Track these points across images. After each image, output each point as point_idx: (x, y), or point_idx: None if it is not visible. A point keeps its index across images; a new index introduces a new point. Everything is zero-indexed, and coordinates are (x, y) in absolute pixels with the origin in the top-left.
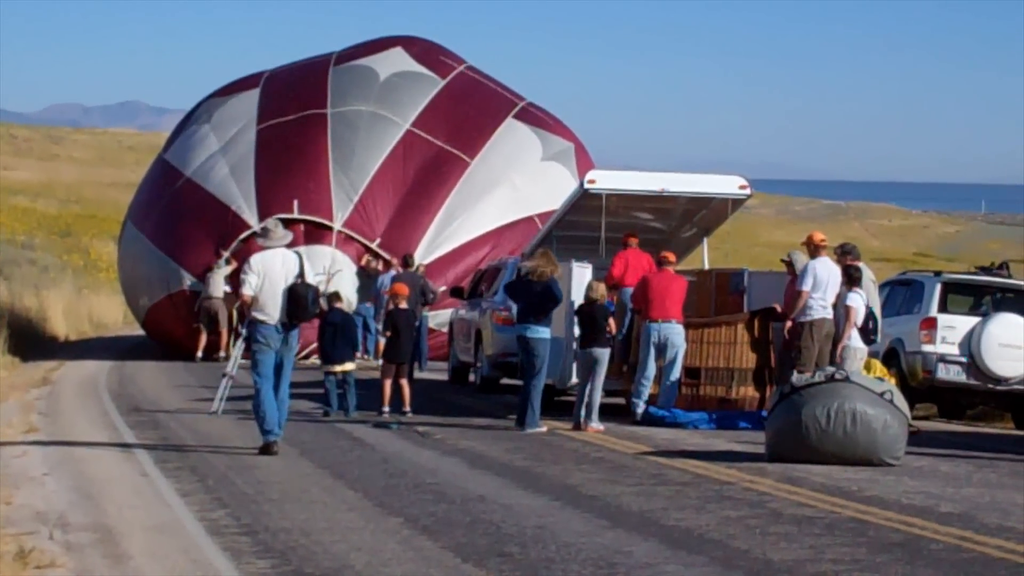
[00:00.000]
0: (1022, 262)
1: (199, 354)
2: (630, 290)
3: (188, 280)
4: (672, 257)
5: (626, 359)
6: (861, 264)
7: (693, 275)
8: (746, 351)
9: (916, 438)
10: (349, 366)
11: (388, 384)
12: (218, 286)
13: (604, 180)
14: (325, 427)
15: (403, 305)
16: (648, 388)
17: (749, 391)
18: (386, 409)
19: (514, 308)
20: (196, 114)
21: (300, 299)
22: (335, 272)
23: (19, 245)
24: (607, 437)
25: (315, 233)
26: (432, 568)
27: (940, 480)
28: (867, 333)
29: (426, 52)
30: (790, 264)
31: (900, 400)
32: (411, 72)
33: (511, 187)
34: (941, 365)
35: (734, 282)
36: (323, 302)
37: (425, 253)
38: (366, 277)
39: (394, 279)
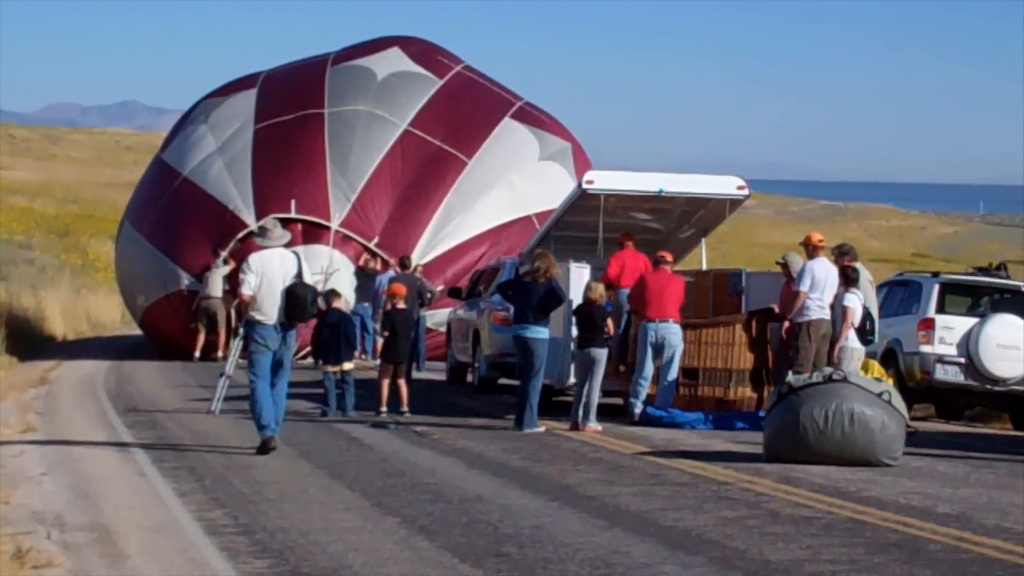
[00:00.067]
0: (1020, 263)
1: (197, 354)
2: (627, 291)
3: (186, 280)
4: (669, 256)
5: (623, 360)
6: (858, 264)
7: (691, 275)
8: (744, 352)
9: (914, 438)
10: (348, 366)
11: (386, 384)
12: (216, 286)
13: (602, 180)
14: (323, 427)
15: (401, 305)
16: (646, 388)
17: (747, 391)
18: (384, 409)
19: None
20: (193, 114)
21: (299, 299)
22: (333, 271)
23: (17, 245)
24: (605, 437)
25: (312, 233)
26: (429, 568)
27: (938, 480)
28: (864, 334)
29: (423, 52)
30: (785, 266)
31: (898, 401)
32: (408, 72)
33: (508, 187)
34: (939, 366)
35: (732, 282)
36: (321, 302)
37: (423, 252)
38: (364, 277)
39: (391, 280)
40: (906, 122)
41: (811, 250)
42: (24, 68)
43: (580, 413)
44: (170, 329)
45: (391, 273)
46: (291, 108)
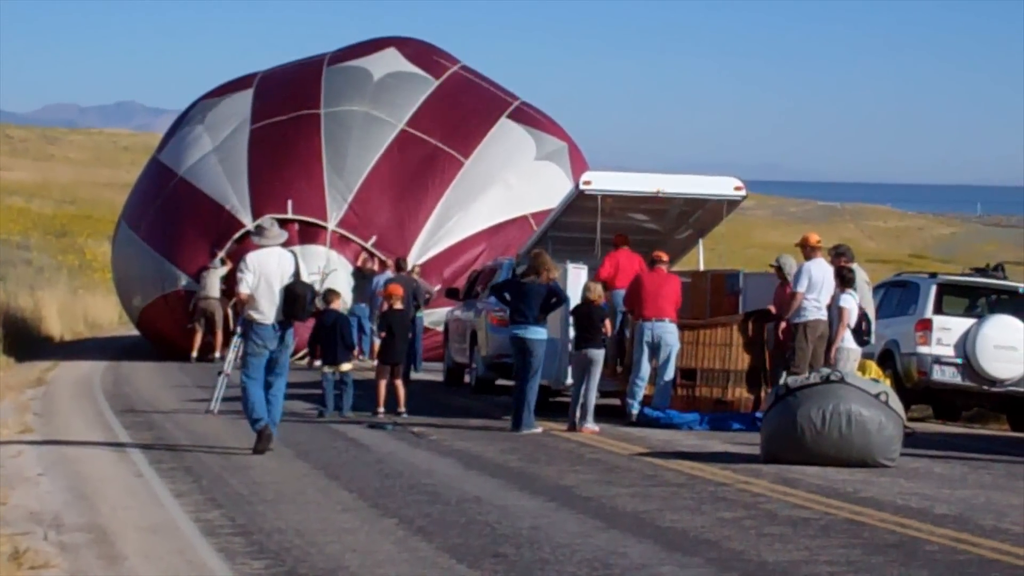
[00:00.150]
0: (1017, 264)
1: (194, 354)
2: (622, 292)
3: (183, 280)
4: (665, 256)
5: (620, 361)
6: (855, 265)
7: (688, 276)
8: (742, 352)
9: (911, 439)
10: (346, 367)
11: (383, 385)
12: (213, 286)
13: (600, 181)
14: (320, 428)
15: (397, 306)
16: (643, 388)
17: (745, 392)
18: (381, 410)
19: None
20: (190, 115)
21: (298, 298)
22: (330, 272)
23: (14, 245)
24: (602, 438)
25: (309, 233)
26: (427, 569)
27: (935, 481)
28: (860, 334)
29: (420, 52)
30: (779, 269)
31: (895, 401)
32: (405, 72)
33: (505, 186)
34: (936, 367)
35: (729, 283)
36: (319, 301)
37: (420, 252)
38: (361, 278)
39: (388, 281)
40: (904, 123)
41: (808, 251)
42: (22, 68)
43: (577, 414)
44: (167, 329)
45: (388, 274)
46: (287, 108)
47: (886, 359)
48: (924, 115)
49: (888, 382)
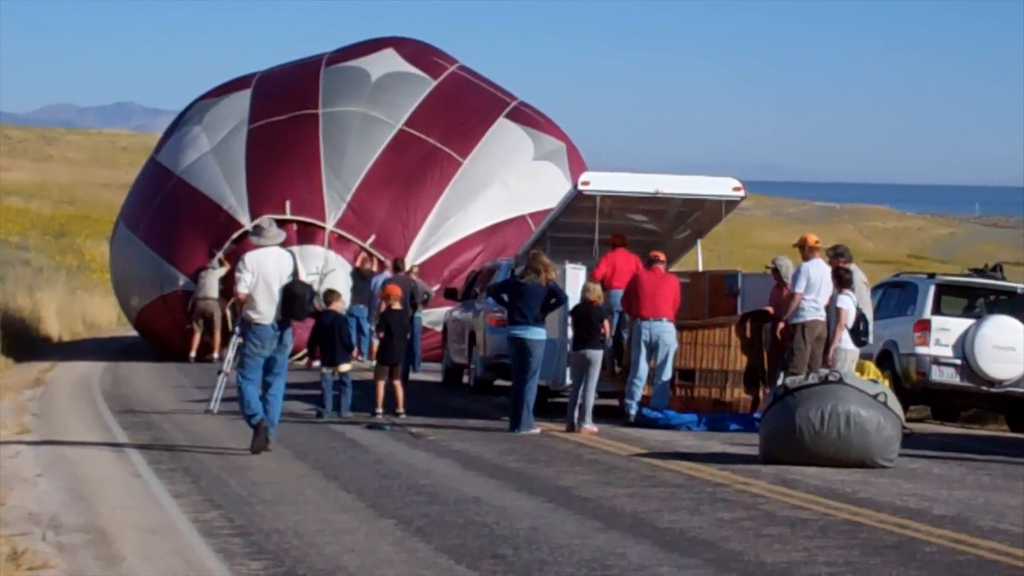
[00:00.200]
0: (1016, 264)
1: (192, 354)
2: (619, 292)
3: (181, 280)
4: (662, 256)
5: (617, 361)
6: (853, 266)
7: (687, 277)
8: (740, 353)
9: (910, 440)
10: (345, 367)
11: (381, 386)
12: (212, 287)
13: (598, 182)
14: (318, 428)
15: (396, 306)
16: (641, 388)
17: (743, 393)
18: (379, 410)
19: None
20: (187, 115)
21: (297, 298)
22: (328, 272)
23: (13, 246)
24: (601, 439)
25: (307, 233)
26: (425, 570)
27: (934, 482)
28: (858, 335)
29: (418, 53)
30: (775, 271)
31: (894, 402)
32: (403, 73)
33: (503, 186)
34: (935, 367)
35: (728, 284)
36: (318, 302)
37: (418, 252)
38: (360, 279)
39: (386, 281)
40: (902, 124)
41: (807, 252)
42: (20, 69)
43: (576, 414)
44: (164, 330)
45: (387, 274)
46: (285, 109)
47: (885, 360)
48: (923, 116)
49: (887, 383)
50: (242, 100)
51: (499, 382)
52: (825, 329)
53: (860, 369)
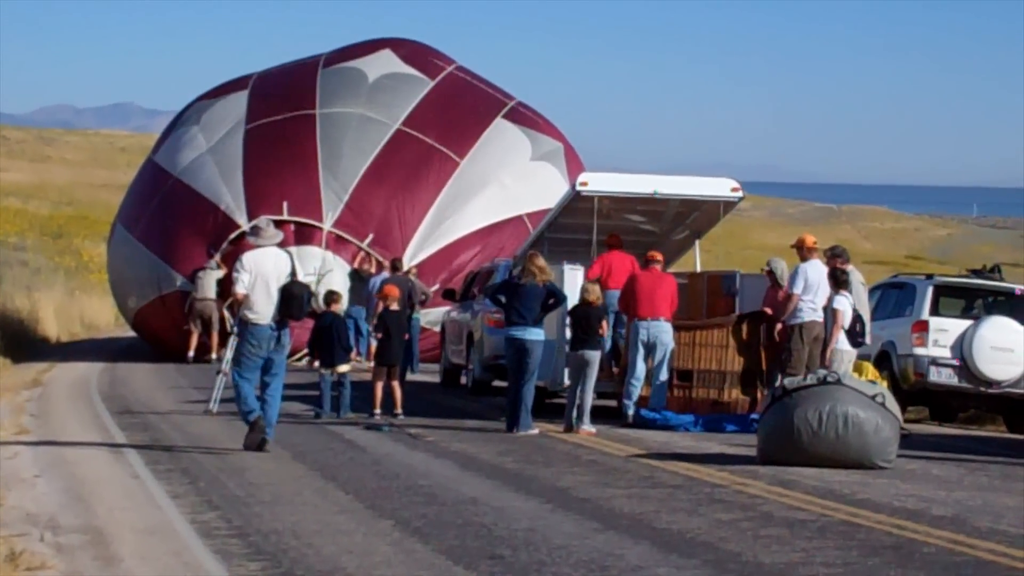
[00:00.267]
0: (1014, 265)
1: (191, 354)
2: (615, 293)
3: (179, 280)
4: (659, 256)
5: (615, 362)
6: (850, 267)
7: (685, 277)
8: (737, 354)
9: (907, 441)
10: (343, 368)
11: (379, 386)
12: (210, 288)
13: (596, 182)
14: (316, 429)
15: (393, 307)
16: (638, 389)
17: (741, 394)
18: (377, 411)
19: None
20: (185, 116)
21: (296, 298)
22: (325, 272)
23: (11, 247)
24: (599, 439)
25: (305, 233)
26: (423, 570)
27: (932, 483)
28: (854, 335)
29: (415, 53)
30: (771, 272)
31: (892, 403)
32: (400, 74)
33: (501, 186)
34: (933, 368)
35: (726, 285)
36: (321, 303)
37: (415, 252)
38: (358, 280)
39: (384, 281)
40: (900, 125)
41: (804, 252)
42: (18, 69)
43: (574, 415)
44: (162, 330)
45: (384, 275)
46: (283, 109)
47: (883, 361)
48: (921, 117)
49: (885, 384)
50: (239, 101)
51: (497, 383)
52: (823, 330)
53: (858, 370)
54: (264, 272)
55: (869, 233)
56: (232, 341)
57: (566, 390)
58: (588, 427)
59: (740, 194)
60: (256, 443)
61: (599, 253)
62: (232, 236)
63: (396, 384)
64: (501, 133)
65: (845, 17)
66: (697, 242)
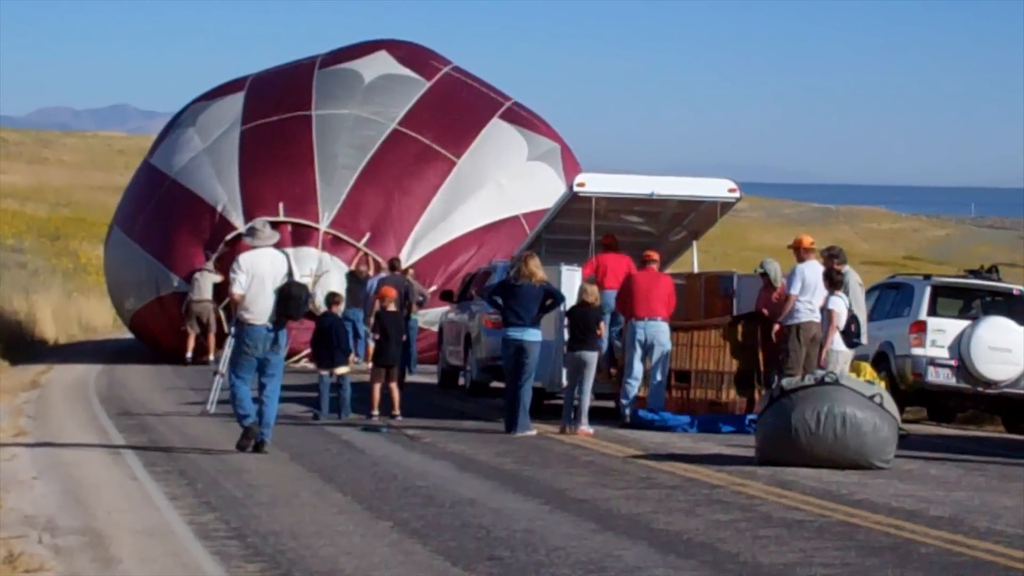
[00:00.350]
0: (1012, 265)
1: (189, 355)
2: (612, 293)
3: (175, 281)
4: (655, 255)
5: (612, 363)
6: (847, 267)
7: (682, 278)
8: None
9: (906, 441)
10: (342, 370)
11: (377, 388)
12: (206, 289)
13: (593, 183)
14: (314, 431)
15: (391, 308)
16: (636, 389)
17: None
18: (375, 413)
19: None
20: (181, 118)
21: (293, 299)
22: (322, 273)
23: (8, 248)
24: (597, 440)
25: (301, 234)
26: (422, 572)
27: (930, 483)
28: (850, 336)
29: (411, 54)
30: (764, 274)
31: (890, 403)
32: (396, 75)
33: (497, 187)
34: (931, 368)
35: (723, 285)
36: (321, 304)
37: (411, 252)
38: (356, 281)
39: (381, 282)
40: (898, 125)
41: (802, 253)
42: (16, 71)
43: (572, 416)
44: (159, 332)
45: (382, 275)
46: (279, 110)
47: (880, 361)
48: (918, 117)
49: (883, 384)
50: (235, 102)
51: (495, 384)
52: (820, 331)
53: (856, 370)
54: (260, 273)
55: (867, 234)
56: (229, 342)
57: (564, 391)
58: (586, 428)
59: (737, 195)
60: (246, 446)
61: (596, 254)
62: (228, 237)
63: (394, 385)
64: (497, 133)
65: (842, 17)
66: (694, 243)
